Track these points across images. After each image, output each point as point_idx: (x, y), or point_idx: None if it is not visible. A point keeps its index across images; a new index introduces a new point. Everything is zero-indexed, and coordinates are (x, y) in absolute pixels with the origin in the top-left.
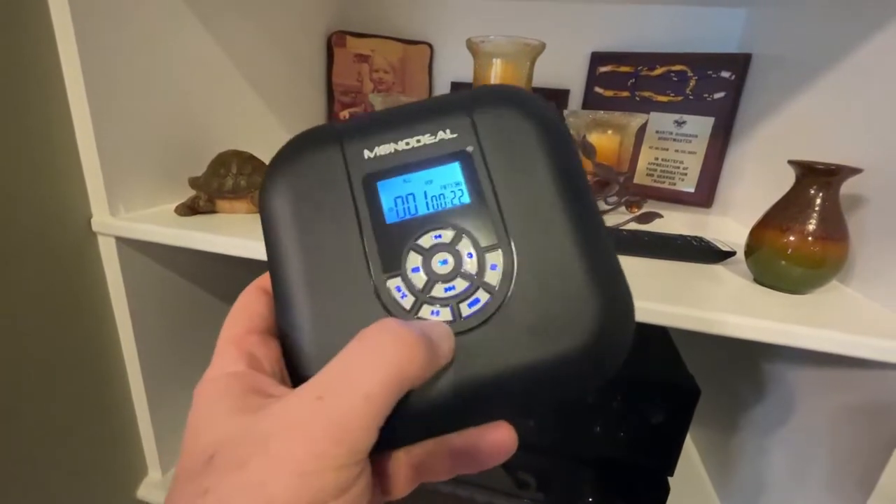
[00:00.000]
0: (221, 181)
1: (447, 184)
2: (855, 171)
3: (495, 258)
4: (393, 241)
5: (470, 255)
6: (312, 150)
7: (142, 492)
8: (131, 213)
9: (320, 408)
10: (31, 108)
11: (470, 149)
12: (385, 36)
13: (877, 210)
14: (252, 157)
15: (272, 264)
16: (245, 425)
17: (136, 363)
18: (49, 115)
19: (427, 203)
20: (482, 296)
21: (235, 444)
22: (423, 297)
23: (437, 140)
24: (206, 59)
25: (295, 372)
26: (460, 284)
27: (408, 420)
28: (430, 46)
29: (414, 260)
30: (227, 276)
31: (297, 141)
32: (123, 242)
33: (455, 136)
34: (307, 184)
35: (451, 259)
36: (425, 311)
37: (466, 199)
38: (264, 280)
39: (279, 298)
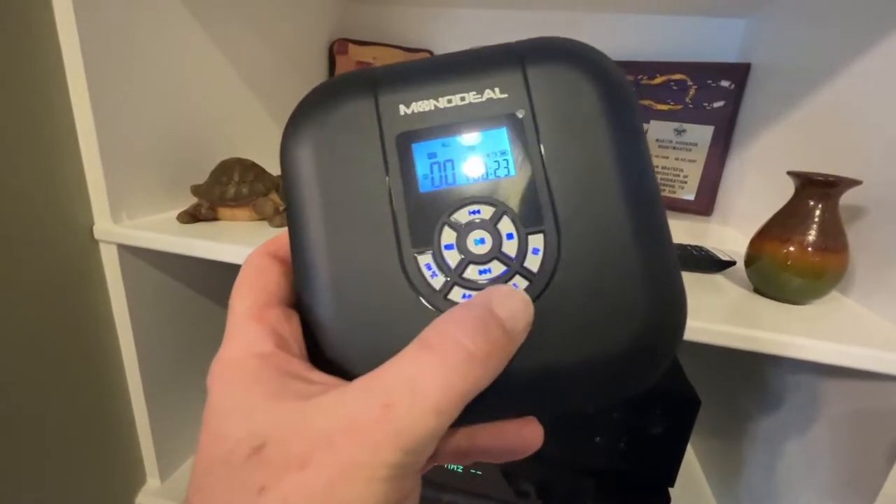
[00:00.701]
0: (223, 189)
1: (491, 152)
2: (854, 182)
3: (538, 242)
4: (425, 213)
5: (510, 237)
6: (343, 98)
7: (140, 499)
8: (133, 220)
9: (388, 417)
10: (35, 115)
11: (521, 113)
12: (387, 44)
13: (876, 221)
14: (254, 165)
15: (293, 228)
16: (294, 416)
17: (136, 370)
18: (52, 122)
19: (466, 172)
20: (520, 282)
21: (288, 437)
22: (455, 277)
23: (483, 99)
24: (209, 67)
25: (319, 350)
26: (497, 268)
27: None
28: (431, 55)
29: (448, 236)
30: (228, 283)
31: (328, 85)
32: (125, 250)
33: (504, 96)
34: (334, 136)
35: (488, 238)
36: (456, 293)
37: (512, 172)
38: (273, 245)
39: (300, 268)
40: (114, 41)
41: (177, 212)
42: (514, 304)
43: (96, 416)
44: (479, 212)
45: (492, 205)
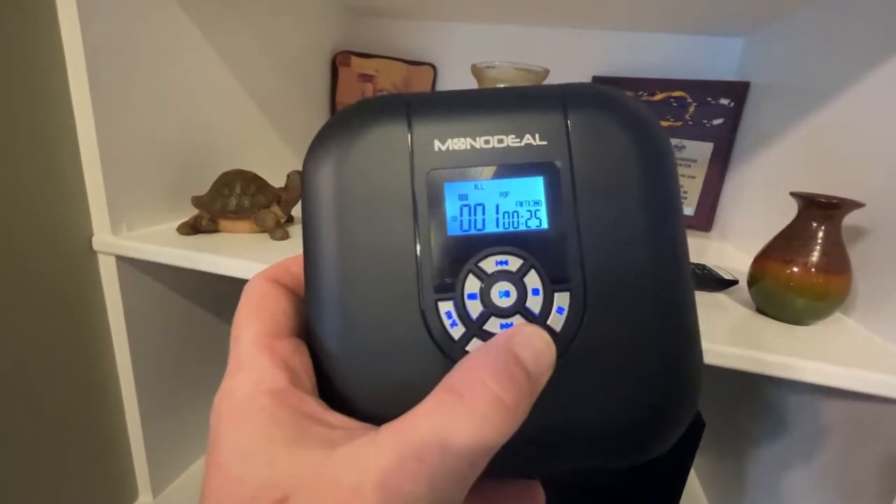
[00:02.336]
0: (225, 201)
1: (525, 200)
2: (857, 204)
3: (563, 300)
4: (451, 257)
5: (536, 292)
6: (374, 123)
7: None
8: (133, 231)
9: (421, 472)
10: (37, 123)
11: (559, 163)
12: (389, 56)
13: (878, 242)
14: (256, 177)
15: (310, 256)
16: (320, 467)
17: (131, 383)
18: (54, 132)
19: (497, 219)
20: None
21: (316, 491)
22: (475, 329)
23: (522, 144)
24: (212, 78)
25: (329, 385)
26: (520, 322)
27: None
28: (434, 68)
29: (472, 284)
30: (228, 296)
31: (358, 108)
32: (124, 261)
33: (544, 143)
34: (362, 163)
35: (513, 292)
36: (474, 346)
37: (543, 224)
38: (275, 271)
39: (315, 300)
40: (117, 51)
41: (177, 223)
42: (537, 346)
43: (89, 429)
44: (506, 262)
45: (520, 257)
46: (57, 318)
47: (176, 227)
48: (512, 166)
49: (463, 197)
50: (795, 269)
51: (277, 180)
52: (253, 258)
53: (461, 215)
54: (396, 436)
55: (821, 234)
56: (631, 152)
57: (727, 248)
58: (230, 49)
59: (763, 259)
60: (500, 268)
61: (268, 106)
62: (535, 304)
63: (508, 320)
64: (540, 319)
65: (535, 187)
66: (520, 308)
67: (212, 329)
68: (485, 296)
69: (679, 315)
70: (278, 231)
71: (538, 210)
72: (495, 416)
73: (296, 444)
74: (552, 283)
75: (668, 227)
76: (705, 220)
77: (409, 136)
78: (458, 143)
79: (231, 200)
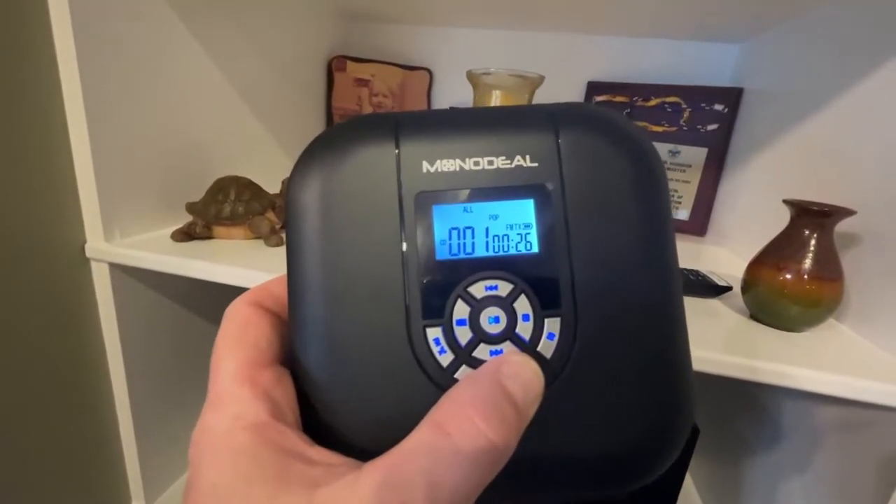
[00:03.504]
0: (219, 207)
1: (515, 223)
2: (849, 212)
3: (554, 326)
4: (439, 282)
5: (526, 318)
6: (361, 142)
7: None
8: (127, 238)
9: None
10: (29, 129)
11: (550, 185)
12: (385, 61)
13: (870, 249)
14: (251, 183)
15: (294, 281)
16: None
17: (124, 390)
18: (46, 137)
19: (487, 243)
20: None
21: None
22: (464, 356)
23: (512, 166)
24: (206, 84)
25: (313, 415)
26: (509, 350)
27: None
28: (430, 72)
29: (461, 310)
30: (222, 304)
31: (345, 127)
32: (117, 269)
33: (535, 165)
34: (348, 183)
35: (503, 317)
36: (463, 373)
37: (534, 248)
38: (257, 294)
39: (299, 326)
40: (111, 57)
41: (171, 230)
42: (525, 377)
43: (82, 437)
44: (496, 287)
45: (510, 282)
46: (49, 325)
47: (170, 234)
48: (502, 189)
49: (452, 220)
50: (788, 276)
51: (272, 186)
52: (248, 265)
53: (450, 239)
54: (380, 477)
55: (813, 242)
56: (624, 175)
57: (721, 253)
58: (225, 54)
59: (756, 266)
60: (489, 293)
61: (263, 111)
62: (525, 330)
63: (498, 347)
64: (530, 346)
65: (525, 210)
66: (509, 334)
67: (206, 337)
68: (474, 322)
69: (671, 341)
70: (273, 237)
71: (529, 233)
72: (483, 458)
73: (275, 484)
74: (543, 309)
75: (660, 251)
76: (700, 225)
77: (396, 156)
78: (448, 165)
79: (225, 207)
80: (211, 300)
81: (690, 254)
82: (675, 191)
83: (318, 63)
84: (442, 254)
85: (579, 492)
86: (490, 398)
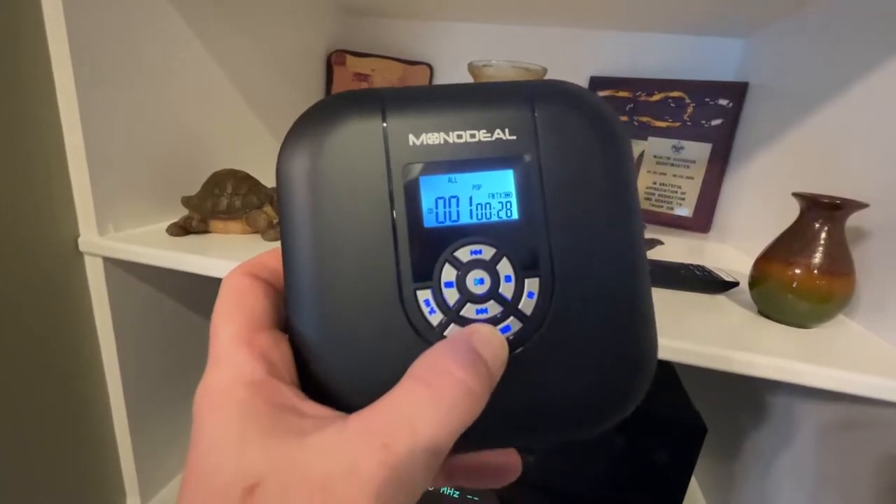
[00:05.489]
0: (216, 201)
1: (496, 192)
2: (861, 205)
3: (534, 286)
4: (428, 248)
5: (508, 279)
6: (349, 117)
7: None
8: (121, 232)
9: (388, 459)
10: (21, 121)
11: (528, 157)
12: (385, 56)
13: (881, 244)
14: (248, 177)
15: (289, 250)
16: (288, 454)
17: (118, 386)
18: (38, 129)
19: (471, 211)
20: (514, 324)
21: (287, 479)
22: (452, 315)
23: (493, 139)
24: (204, 76)
25: (310, 377)
26: (493, 308)
27: None
28: (430, 67)
29: (449, 273)
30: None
31: (332, 102)
32: (111, 263)
33: (513, 138)
34: (337, 156)
35: (487, 279)
36: (452, 331)
37: (514, 215)
38: (251, 265)
39: (294, 293)
40: (105, 47)
41: (166, 224)
42: (494, 343)
43: (76, 434)
44: (480, 252)
45: (493, 246)
46: (43, 321)
47: (165, 228)
48: (484, 160)
49: (438, 190)
50: (798, 271)
51: (270, 180)
52: (244, 260)
53: (436, 207)
54: (364, 424)
55: (823, 236)
56: (593, 146)
57: (726, 250)
58: (223, 47)
59: (765, 260)
60: (474, 257)
61: (261, 105)
62: (507, 290)
63: (483, 305)
64: (512, 304)
65: (505, 180)
66: (494, 294)
67: (202, 332)
68: (461, 283)
69: (637, 297)
70: (270, 232)
71: (509, 202)
72: (460, 403)
73: (268, 434)
74: (523, 270)
75: (625, 216)
76: (704, 221)
77: (384, 129)
78: (433, 138)
79: (222, 201)
80: (207, 295)
81: (694, 250)
82: (679, 187)
83: (317, 57)
84: (429, 221)
85: (558, 434)
86: (465, 355)
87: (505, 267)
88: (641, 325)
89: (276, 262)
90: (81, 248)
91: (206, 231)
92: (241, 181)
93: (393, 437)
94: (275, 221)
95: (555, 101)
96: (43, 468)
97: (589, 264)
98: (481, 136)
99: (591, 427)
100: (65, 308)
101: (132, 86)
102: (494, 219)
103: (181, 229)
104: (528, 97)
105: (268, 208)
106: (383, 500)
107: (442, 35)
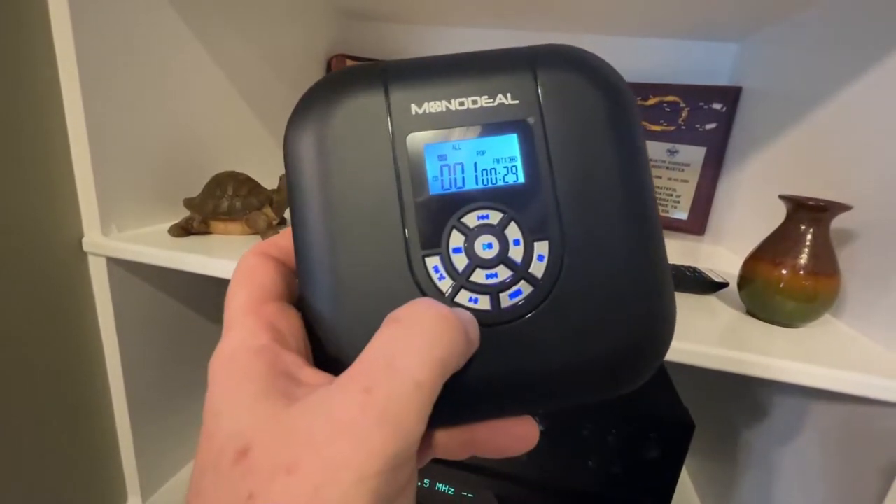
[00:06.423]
0: (217, 202)
1: (501, 157)
2: (845, 207)
3: (543, 249)
4: (435, 215)
5: (517, 243)
6: (352, 91)
7: None
8: (124, 232)
9: (370, 402)
10: (26, 122)
11: (531, 120)
12: (384, 60)
13: (866, 245)
14: (248, 179)
15: (298, 224)
16: (280, 417)
17: (121, 387)
18: (43, 131)
19: (476, 176)
20: (525, 288)
21: (274, 441)
22: (462, 280)
23: (495, 104)
24: (206, 80)
25: (322, 349)
26: (503, 273)
27: (440, 408)
28: None
29: (456, 239)
30: (219, 298)
31: (335, 77)
32: (114, 263)
33: (516, 102)
34: (342, 130)
35: (496, 244)
36: (463, 296)
37: (520, 179)
38: (265, 245)
39: (305, 265)
40: (110, 51)
41: (168, 225)
42: (469, 318)
43: (78, 432)
44: (487, 217)
45: (501, 211)
46: (46, 320)
47: (167, 229)
48: (487, 125)
49: (442, 157)
50: (784, 272)
51: (270, 182)
52: None
53: (442, 175)
54: (346, 375)
55: (809, 237)
56: (598, 106)
57: (720, 252)
58: (224, 51)
59: (752, 261)
60: (481, 222)
61: (261, 108)
62: (516, 253)
63: (493, 270)
64: (522, 267)
65: (510, 144)
66: (503, 258)
67: (203, 332)
68: (469, 249)
69: (651, 258)
70: (270, 233)
71: (514, 165)
72: (435, 331)
73: (260, 397)
74: (532, 234)
75: (635, 175)
76: (698, 224)
77: (386, 101)
78: (435, 106)
79: (223, 202)
80: (208, 295)
81: (689, 252)
82: (674, 190)
83: (317, 61)
84: (435, 189)
85: (574, 399)
86: (443, 307)
87: (513, 231)
88: (657, 284)
89: (287, 242)
90: (85, 248)
91: (206, 232)
92: (242, 183)
93: (373, 380)
94: (274, 223)
95: (556, 63)
96: (45, 465)
97: (599, 225)
98: (483, 101)
99: (608, 389)
100: (68, 307)
101: (136, 89)
102: (500, 183)
103: (182, 230)
104: (530, 61)
105: (267, 210)
106: (370, 445)
107: (441, 40)
